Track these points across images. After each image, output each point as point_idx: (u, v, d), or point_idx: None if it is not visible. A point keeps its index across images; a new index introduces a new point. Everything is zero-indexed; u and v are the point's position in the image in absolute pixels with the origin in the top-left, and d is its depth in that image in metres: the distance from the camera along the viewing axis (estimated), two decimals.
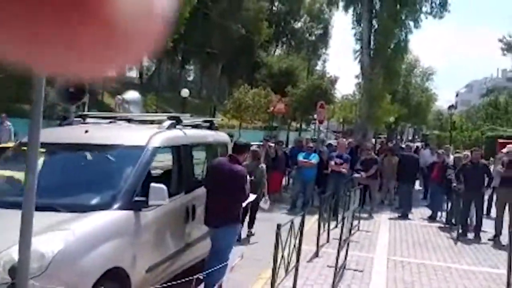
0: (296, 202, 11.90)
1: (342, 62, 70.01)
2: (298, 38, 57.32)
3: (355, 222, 9.68)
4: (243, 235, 8.03)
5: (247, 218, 8.08)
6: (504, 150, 9.88)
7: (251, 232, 8.55)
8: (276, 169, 12.37)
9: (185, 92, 25.74)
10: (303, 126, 47.23)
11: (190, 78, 58.42)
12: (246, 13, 42.81)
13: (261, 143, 13.14)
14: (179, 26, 26.08)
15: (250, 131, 33.76)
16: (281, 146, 13.84)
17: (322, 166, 12.30)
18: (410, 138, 68.52)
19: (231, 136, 11.22)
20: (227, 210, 5.20)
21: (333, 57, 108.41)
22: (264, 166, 9.05)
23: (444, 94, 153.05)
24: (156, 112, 23.41)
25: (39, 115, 2.55)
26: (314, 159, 11.84)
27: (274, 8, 55.30)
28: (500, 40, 36.95)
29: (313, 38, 58.02)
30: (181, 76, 46.97)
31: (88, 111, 10.08)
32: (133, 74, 48.23)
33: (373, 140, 26.92)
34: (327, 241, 8.21)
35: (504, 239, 8.69)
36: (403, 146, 14.68)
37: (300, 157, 11.96)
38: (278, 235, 4.73)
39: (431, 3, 19.44)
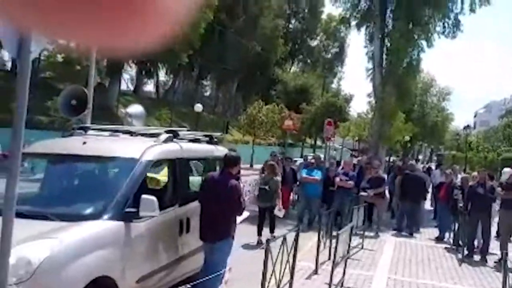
0: (302, 219, 11.86)
1: (357, 80, 70.07)
2: (314, 56, 57.66)
3: (359, 241, 9.64)
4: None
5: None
6: (504, 178, 9.69)
7: (274, 237, 8.74)
8: (284, 185, 12.40)
9: (198, 107, 26.02)
10: (318, 143, 47.17)
11: (207, 94, 59.02)
12: (262, 30, 43.26)
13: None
14: (194, 42, 26.53)
15: (264, 147, 33.82)
16: (289, 163, 13.82)
17: (329, 183, 12.30)
18: (427, 158, 67.86)
19: (233, 150, 11.30)
20: (222, 225, 5.23)
21: (348, 75, 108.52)
22: (279, 178, 9.84)
23: (463, 115, 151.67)
24: (171, 126, 23.68)
25: (22, 126, 2.66)
26: (317, 175, 11.82)
27: (290, 26, 55.82)
28: None
29: (329, 56, 58.31)
30: (197, 91, 47.46)
31: (102, 124, 10.23)
32: (150, 88, 48.96)
33: (386, 158, 26.77)
34: (329, 258, 8.16)
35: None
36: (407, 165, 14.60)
37: (303, 173, 11.96)
38: (267, 250, 4.75)
39: (444, 22, 19.42)
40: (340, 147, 48.72)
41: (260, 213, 9.71)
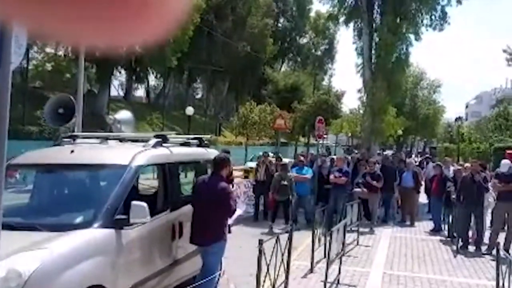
0: (297, 218, 11.85)
1: (349, 76, 70.23)
2: (304, 54, 57.71)
3: (354, 237, 9.66)
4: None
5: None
6: (502, 169, 9.66)
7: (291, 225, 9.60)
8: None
9: (189, 110, 25.97)
10: (312, 141, 47.22)
11: (198, 96, 58.94)
12: (251, 30, 43.24)
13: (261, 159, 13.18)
14: (183, 45, 26.48)
15: (257, 147, 33.81)
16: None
17: (323, 181, 12.32)
18: (420, 150, 68.13)
19: (227, 152, 11.29)
20: (214, 228, 5.22)
21: (339, 71, 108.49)
22: (292, 174, 11.41)
23: (455, 107, 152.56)
24: (162, 131, 23.57)
25: (4, 137, 2.64)
26: (308, 173, 11.86)
27: (279, 24, 55.84)
28: (504, 51, 36.67)
29: (319, 53, 58.39)
30: (188, 94, 47.36)
31: (93, 131, 10.17)
32: (141, 93, 48.81)
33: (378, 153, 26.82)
34: (324, 256, 8.16)
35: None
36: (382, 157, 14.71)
37: (293, 172, 11.98)
38: (261, 251, 4.74)
39: (431, 15, 19.50)
40: (334, 144, 48.82)
41: (277, 205, 11.21)
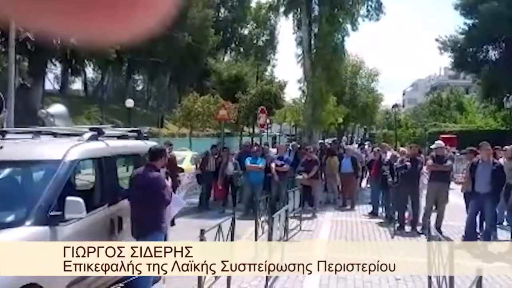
0: (249, 207, 11.93)
1: (290, 67, 71.22)
2: (246, 44, 57.77)
3: (297, 222, 9.88)
4: None
5: None
6: (433, 146, 10.27)
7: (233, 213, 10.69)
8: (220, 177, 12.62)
9: (129, 102, 25.36)
10: (256, 131, 47.51)
11: (139, 88, 57.62)
12: (192, 21, 42.68)
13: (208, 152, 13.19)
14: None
15: (201, 139, 33.60)
16: (227, 153, 13.73)
17: (267, 170, 12.47)
18: (361, 137, 70.38)
19: (170, 144, 11.17)
20: (148, 219, 5.14)
21: (282, 62, 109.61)
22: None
23: (393, 95, 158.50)
24: (101, 124, 22.85)
25: None
26: (261, 163, 11.98)
27: (220, 15, 55.51)
28: (437, 40, 38.49)
29: (261, 43, 58.64)
30: (128, 86, 46.17)
31: (27, 127, 9.71)
32: (78, 86, 47.09)
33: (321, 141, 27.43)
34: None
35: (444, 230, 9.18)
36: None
37: (247, 162, 12.06)
38: (202, 241, 4.75)
39: (367, 6, 20.08)
40: (278, 133, 49.42)
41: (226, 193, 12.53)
